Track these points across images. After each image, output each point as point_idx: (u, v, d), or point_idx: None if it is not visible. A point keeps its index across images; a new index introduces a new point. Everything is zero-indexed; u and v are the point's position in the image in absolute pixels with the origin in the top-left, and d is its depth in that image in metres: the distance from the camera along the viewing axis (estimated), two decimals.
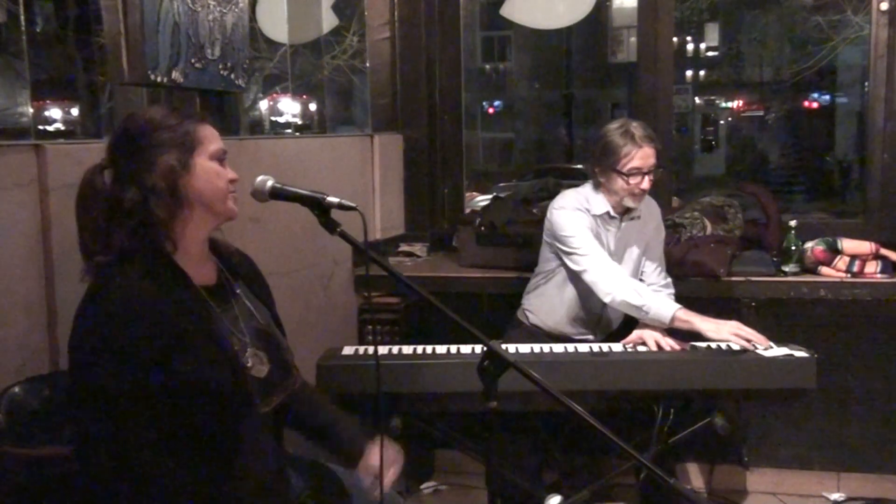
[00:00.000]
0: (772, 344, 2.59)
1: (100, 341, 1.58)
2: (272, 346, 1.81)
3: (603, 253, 2.79)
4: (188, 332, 1.63)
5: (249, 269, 1.95)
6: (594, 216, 2.85)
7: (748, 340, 2.58)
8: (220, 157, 1.76)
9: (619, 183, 2.78)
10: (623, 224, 2.89)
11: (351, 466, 1.97)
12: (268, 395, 1.76)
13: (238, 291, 1.85)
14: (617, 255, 2.89)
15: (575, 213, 2.83)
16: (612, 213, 2.87)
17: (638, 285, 2.77)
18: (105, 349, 1.57)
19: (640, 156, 2.74)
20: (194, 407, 1.62)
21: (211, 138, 1.76)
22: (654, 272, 2.98)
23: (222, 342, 1.68)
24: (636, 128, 2.78)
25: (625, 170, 2.75)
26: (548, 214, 2.92)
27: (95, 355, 1.58)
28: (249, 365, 1.72)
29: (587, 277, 2.77)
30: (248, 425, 1.70)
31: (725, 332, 2.58)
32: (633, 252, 2.93)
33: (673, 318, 2.63)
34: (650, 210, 2.99)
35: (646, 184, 2.77)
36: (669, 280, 3.01)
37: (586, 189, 2.91)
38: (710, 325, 2.60)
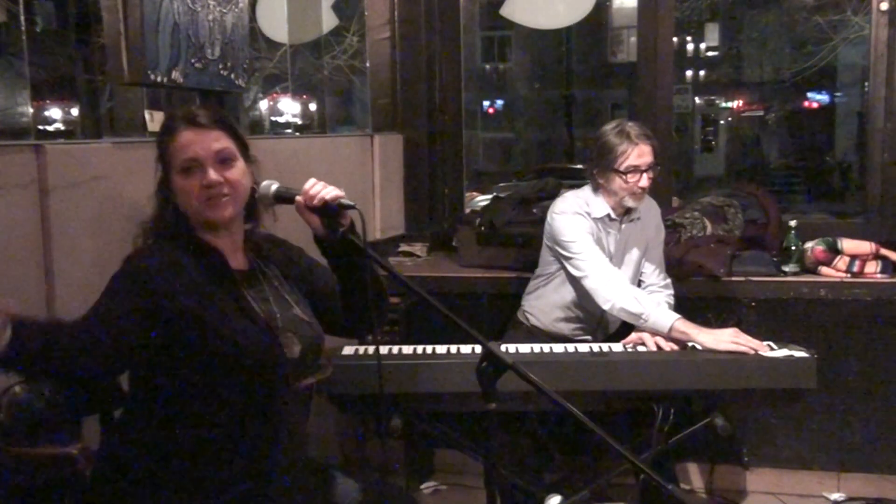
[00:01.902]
0: (772, 345, 2.59)
1: (134, 289, 1.64)
2: (303, 331, 1.84)
3: (603, 259, 2.79)
4: (222, 301, 1.71)
5: (283, 255, 1.96)
6: (595, 219, 2.85)
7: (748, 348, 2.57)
8: (186, 169, 1.75)
9: (618, 182, 2.78)
10: (623, 226, 2.89)
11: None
12: (300, 375, 1.81)
13: (275, 283, 1.88)
14: (617, 258, 2.89)
15: (575, 217, 2.82)
16: (613, 215, 2.87)
17: (638, 293, 2.76)
18: (139, 297, 1.63)
19: (637, 153, 2.75)
20: (232, 376, 1.68)
21: (178, 149, 1.76)
22: (654, 273, 2.98)
23: (257, 318, 1.75)
24: (631, 127, 2.79)
25: (622, 168, 2.76)
26: (548, 219, 2.91)
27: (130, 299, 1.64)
28: (283, 345, 1.77)
29: (587, 283, 2.77)
30: (284, 402, 1.76)
31: (724, 344, 2.56)
32: (634, 254, 2.93)
33: (671, 329, 2.62)
34: (650, 210, 2.99)
35: (644, 181, 2.77)
36: (669, 281, 3.01)
37: (586, 192, 2.90)
38: (707, 338, 2.58)
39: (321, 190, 1.78)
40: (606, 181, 2.81)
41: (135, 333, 1.62)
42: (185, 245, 1.75)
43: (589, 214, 2.84)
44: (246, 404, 1.70)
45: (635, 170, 2.76)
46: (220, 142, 1.77)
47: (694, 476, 3.37)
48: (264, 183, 1.83)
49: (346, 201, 1.78)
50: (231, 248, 1.83)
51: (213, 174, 1.74)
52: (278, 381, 1.74)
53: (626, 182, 2.76)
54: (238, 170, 1.78)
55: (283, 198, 1.82)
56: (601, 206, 2.86)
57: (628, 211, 2.87)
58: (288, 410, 1.78)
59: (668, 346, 2.65)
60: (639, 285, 2.96)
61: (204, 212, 1.76)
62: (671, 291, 2.98)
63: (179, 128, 1.76)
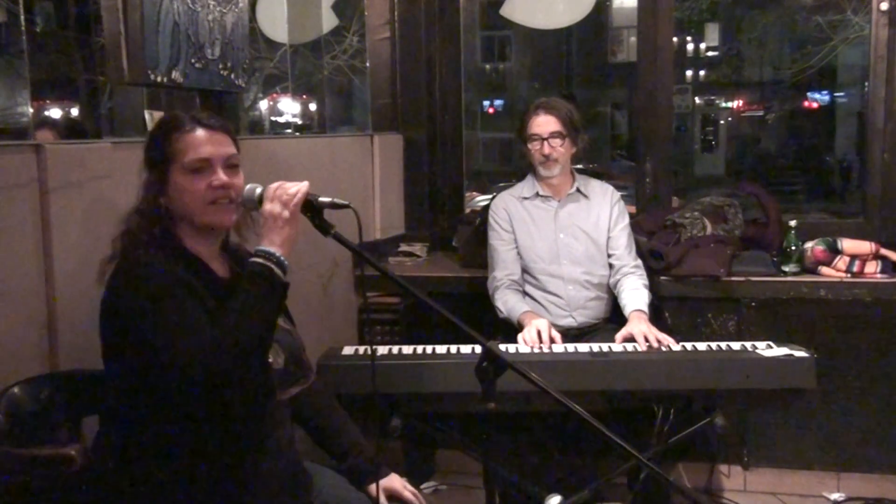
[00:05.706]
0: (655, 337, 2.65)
1: (131, 299, 1.62)
2: (285, 341, 1.83)
3: (503, 262, 3.00)
4: (213, 306, 1.67)
5: None
6: (524, 199, 3.04)
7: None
8: (195, 168, 1.72)
9: (528, 151, 2.97)
10: (562, 201, 3.02)
11: (356, 484, 1.99)
12: (284, 385, 1.80)
13: None
14: (563, 233, 2.99)
15: (492, 215, 3.05)
16: (542, 191, 3.01)
17: (508, 299, 2.94)
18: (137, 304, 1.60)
19: (537, 122, 2.94)
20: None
21: (188, 147, 1.72)
22: (625, 254, 3.02)
23: None
24: (542, 99, 2.98)
25: (525, 136, 2.96)
26: None
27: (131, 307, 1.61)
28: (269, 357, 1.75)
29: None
30: (270, 414, 1.76)
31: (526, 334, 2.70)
32: (584, 230, 3.01)
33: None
34: (604, 192, 3.08)
35: (546, 149, 2.93)
36: (640, 262, 3.05)
37: (529, 175, 3.09)
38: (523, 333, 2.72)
39: (290, 189, 1.72)
40: (526, 152, 2.99)
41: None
42: (172, 255, 1.70)
43: (520, 196, 3.04)
44: (232, 417, 1.67)
45: (537, 137, 2.94)
46: (229, 147, 1.78)
47: (694, 476, 3.37)
48: (248, 186, 1.79)
49: (339, 201, 1.77)
50: (211, 257, 1.81)
51: (223, 176, 1.74)
52: (264, 394, 1.72)
53: (531, 150, 2.95)
54: (242, 178, 1.78)
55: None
56: (531, 185, 3.05)
57: (561, 188, 3.00)
58: (273, 421, 1.77)
59: (654, 339, 2.65)
60: (610, 267, 3.02)
61: (206, 214, 1.73)
62: (643, 272, 3.02)
63: (189, 126, 1.74)
